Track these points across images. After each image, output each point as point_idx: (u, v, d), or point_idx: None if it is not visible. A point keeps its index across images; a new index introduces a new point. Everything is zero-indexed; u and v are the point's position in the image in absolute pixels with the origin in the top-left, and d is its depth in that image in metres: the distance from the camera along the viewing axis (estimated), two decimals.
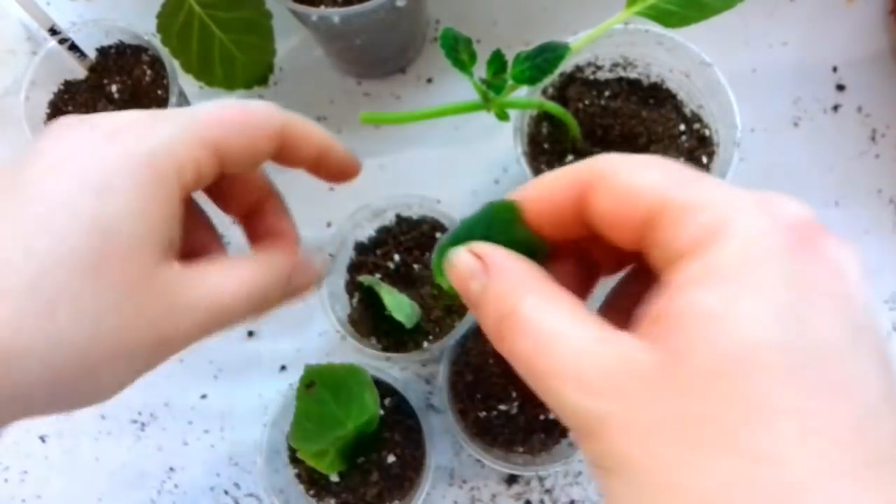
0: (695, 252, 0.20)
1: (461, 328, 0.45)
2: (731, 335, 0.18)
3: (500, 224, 0.26)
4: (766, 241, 0.19)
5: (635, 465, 0.19)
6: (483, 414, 0.45)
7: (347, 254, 0.49)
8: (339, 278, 0.48)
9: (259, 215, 0.33)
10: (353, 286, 0.49)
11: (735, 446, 0.17)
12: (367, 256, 0.49)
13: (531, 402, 0.45)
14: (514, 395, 0.45)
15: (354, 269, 0.49)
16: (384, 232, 0.50)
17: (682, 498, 0.18)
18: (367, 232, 0.50)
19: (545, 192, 0.25)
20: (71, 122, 0.27)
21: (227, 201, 0.33)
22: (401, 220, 0.50)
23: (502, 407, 0.45)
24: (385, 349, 0.46)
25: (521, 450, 0.45)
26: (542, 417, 0.45)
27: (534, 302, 0.22)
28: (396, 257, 0.49)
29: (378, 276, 0.48)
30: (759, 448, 0.17)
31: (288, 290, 0.32)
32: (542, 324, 0.21)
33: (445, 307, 0.48)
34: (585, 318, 0.21)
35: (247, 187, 0.33)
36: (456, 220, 0.48)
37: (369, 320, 0.48)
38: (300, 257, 0.34)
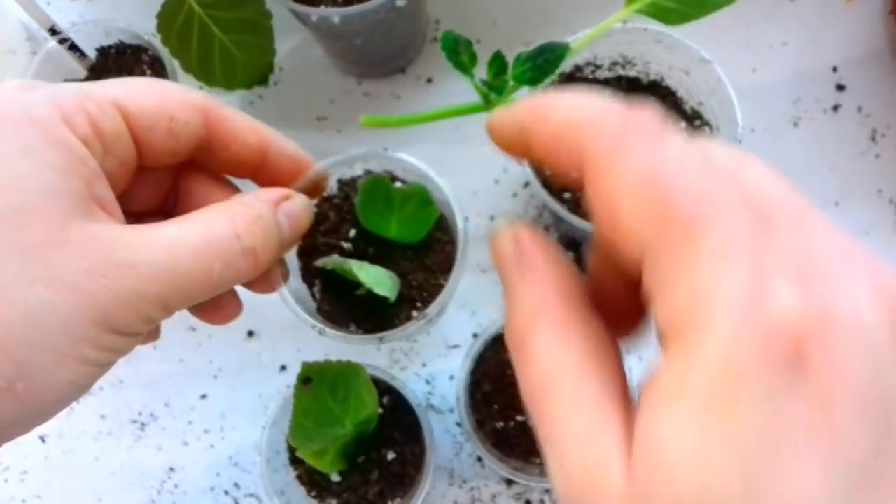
0: (673, 343, 0.17)
1: (453, 284, 0.39)
2: (691, 486, 0.16)
3: None
4: (743, 359, 0.16)
5: None
6: (500, 424, 0.45)
7: None
8: (292, 270, 0.41)
9: (266, 167, 0.30)
10: (310, 275, 0.42)
11: None
12: (315, 237, 0.42)
13: None
14: None
15: (305, 254, 0.42)
16: (326, 204, 0.43)
17: None
18: None
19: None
20: None
21: (220, 163, 0.30)
22: (343, 184, 0.43)
23: (520, 418, 0.45)
24: (369, 333, 0.40)
25: (538, 461, 0.45)
26: None
27: (544, 338, 0.20)
28: (352, 231, 0.42)
29: (336, 256, 0.41)
30: None
31: (285, 234, 0.28)
32: (543, 373, 0.19)
33: (425, 269, 0.42)
34: (587, 376, 0.19)
35: (238, 141, 0.29)
36: (411, 163, 0.41)
37: (341, 307, 0.42)
38: (284, 191, 0.29)
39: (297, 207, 0.29)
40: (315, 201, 0.33)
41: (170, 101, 0.27)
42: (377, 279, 0.37)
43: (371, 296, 0.39)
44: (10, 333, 0.21)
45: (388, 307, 0.40)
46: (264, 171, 0.30)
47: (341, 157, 0.39)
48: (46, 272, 0.22)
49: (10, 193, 0.22)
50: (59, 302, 0.22)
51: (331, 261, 0.39)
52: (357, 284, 0.38)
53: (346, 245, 0.42)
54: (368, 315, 0.41)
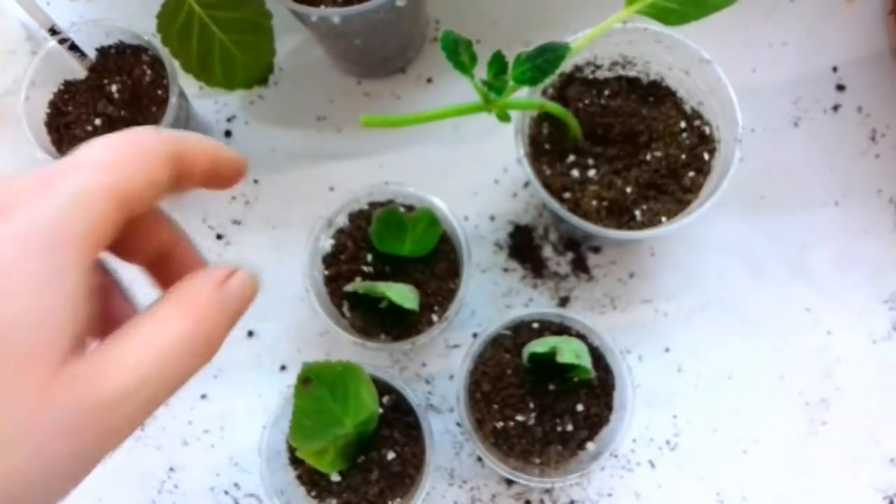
0: None
1: (464, 288, 0.46)
2: None
3: None
4: None
5: None
6: (500, 424, 0.45)
7: (319, 270, 0.49)
8: (322, 297, 0.48)
9: (169, 258, 0.29)
10: (337, 298, 0.48)
11: None
12: (339, 267, 0.48)
13: (549, 413, 0.45)
14: (531, 405, 0.45)
15: (331, 280, 0.48)
16: (342, 236, 0.49)
17: None
18: (327, 243, 0.49)
19: None
20: None
21: (130, 249, 0.28)
22: (353, 217, 0.49)
23: (519, 418, 0.45)
24: (397, 340, 0.47)
25: (537, 461, 0.45)
26: (559, 429, 0.45)
27: None
28: (368, 256, 0.48)
29: (359, 279, 0.48)
30: None
31: (234, 309, 0.27)
32: None
33: (435, 277, 0.48)
34: None
35: (153, 228, 0.28)
36: (410, 193, 0.48)
37: (371, 321, 0.48)
38: (227, 268, 0.27)
39: (241, 282, 0.27)
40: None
41: (158, 168, 0.25)
42: (403, 295, 0.44)
43: (393, 307, 0.45)
44: (14, 483, 0.20)
45: (410, 314, 0.47)
46: (209, 183, 0.29)
47: (350, 196, 0.48)
48: (48, 416, 0.21)
49: (25, 334, 0.21)
50: (55, 450, 0.21)
51: (360, 285, 0.46)
52: (380, 299, 0.45)
53: (367, 268, 0.48)
54: (395, 324, 0.47)
